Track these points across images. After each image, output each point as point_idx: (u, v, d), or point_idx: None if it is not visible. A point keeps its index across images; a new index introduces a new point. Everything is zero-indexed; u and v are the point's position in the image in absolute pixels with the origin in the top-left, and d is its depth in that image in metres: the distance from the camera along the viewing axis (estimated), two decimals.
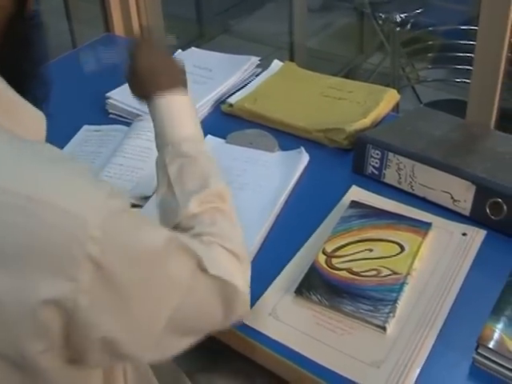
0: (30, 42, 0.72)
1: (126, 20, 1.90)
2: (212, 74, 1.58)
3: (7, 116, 0.64)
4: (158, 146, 0.94)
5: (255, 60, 1.61)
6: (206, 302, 0.75)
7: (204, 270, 0.72)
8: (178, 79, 0.98)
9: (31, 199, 0.57)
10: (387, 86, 1.55)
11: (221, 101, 1.50)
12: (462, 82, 2.10)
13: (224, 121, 1.44)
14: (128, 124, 1.42)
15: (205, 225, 0.82)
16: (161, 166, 0.91)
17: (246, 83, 1.56)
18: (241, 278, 0.79)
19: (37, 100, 0.70)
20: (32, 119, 0.69)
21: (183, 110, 0.95)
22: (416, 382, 0.85)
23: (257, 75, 1.59)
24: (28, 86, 0.70)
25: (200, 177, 0.88)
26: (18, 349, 0.58)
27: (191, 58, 1.61)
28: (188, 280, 0.70)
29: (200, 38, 3.58)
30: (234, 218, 0.87)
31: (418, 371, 0.86)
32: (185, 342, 0.73)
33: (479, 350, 0.86)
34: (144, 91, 0.97)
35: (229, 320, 0.80)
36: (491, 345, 0.85)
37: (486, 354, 0.85)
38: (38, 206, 0.56)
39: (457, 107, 1.45)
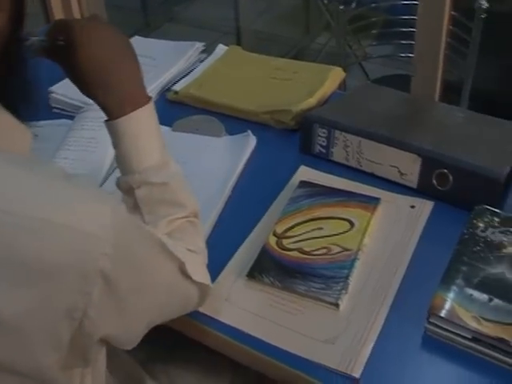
0: (22, 62, 0.73)
1: (66, 11, 1.85)
2: (156, 62, 1.55)
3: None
4: (120, 167, 0.89)
5: (199, 46, 1.59)
6: (185, 301, 0.83)
7: (187, 275, 0.78)
8: (133, 71, 0.90)
9: (47, 222, 0.57)
10: (335, 64, 1.54)
11: (166, 89, 1.48)
12: (406, 56, 2.12)
13: (170, 109, 1.41)
14: (73, 118, 1.39)
15: (176, 238, 0.84)
16: (125, 187, 0.88)
17: (191, 70, 1.54)
18: (208, 276, 0.86)
19: (22, 119, 0.70)
20: (20, 136, 0.69)
21: (149, 132, 0.88)
22: (370, 355, 0.85)
23: (202, 61, 1.57)
24: (16, 106, 0.70)
25: (171, 203, 0.87)
26: (36, 363, 0.60)
27: (134, 48, 1.58)
28: (170, 280, 0.76)
29: (145, 28, 3.53)
30: (201, 229, 0.92)
31: (372, 345, 0.87)
32: (148, 329, 0.76)
33: (430, 320, 0.87)
34: (95, 93, 0.87)
35: (195, 309, 0.89)
36: (442, 313, 0.86)
37: (438, 323, 0.86)
38: (54, 229, 0.58)
39: (403, 82, 1.46)
